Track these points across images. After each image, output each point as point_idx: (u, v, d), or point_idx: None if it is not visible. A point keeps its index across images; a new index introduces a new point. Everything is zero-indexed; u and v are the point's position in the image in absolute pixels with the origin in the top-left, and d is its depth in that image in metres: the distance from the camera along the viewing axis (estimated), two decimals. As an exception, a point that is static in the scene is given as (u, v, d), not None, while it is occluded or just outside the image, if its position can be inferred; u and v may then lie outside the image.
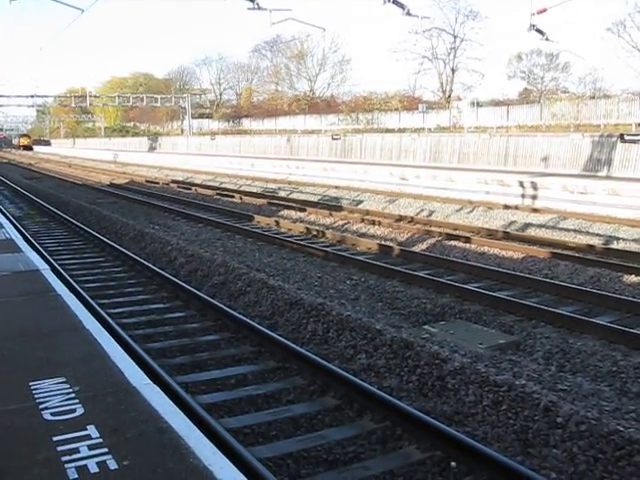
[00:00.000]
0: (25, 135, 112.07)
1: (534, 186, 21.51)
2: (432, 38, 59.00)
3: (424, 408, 5.95)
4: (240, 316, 8.55)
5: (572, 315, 8.84)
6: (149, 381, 4.27)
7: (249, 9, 21.73)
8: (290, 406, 6.14)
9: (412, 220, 18.27)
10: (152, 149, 68.72)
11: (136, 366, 4.58)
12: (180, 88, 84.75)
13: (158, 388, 4.16)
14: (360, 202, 23.13)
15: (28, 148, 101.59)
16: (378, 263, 12.18)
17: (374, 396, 5.94)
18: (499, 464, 4.73)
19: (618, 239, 14.91)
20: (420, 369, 6.68)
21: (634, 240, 14.74)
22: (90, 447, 3.27)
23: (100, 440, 3.35)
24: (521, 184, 21.99)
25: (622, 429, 5.12)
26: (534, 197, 21.36)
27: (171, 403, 3.92)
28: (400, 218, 18.53)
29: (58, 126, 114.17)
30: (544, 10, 22.35)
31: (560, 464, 5.03)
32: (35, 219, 20.12)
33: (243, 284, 10.35)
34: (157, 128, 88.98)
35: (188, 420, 3.67)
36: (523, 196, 21.72)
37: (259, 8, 21.83)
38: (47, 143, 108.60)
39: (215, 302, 9.27)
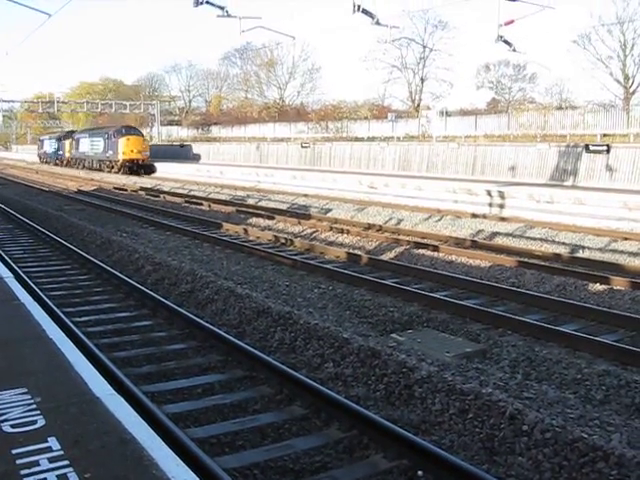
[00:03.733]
0: (132, 131, 49.67)
1: (501, 195, 21.75)
2: (401, 48, 59.43)
3: (391, 417, 5.94)
4: (207, 325, 8.49)
5: (538, 323, 8.92)
6: (113, 391, 4.21)
7: (219, 16, 21.63)
8: (257, 415, 6.11)
9: (381, 229, 18.33)
10: (121, 155, 67.82)
11: (100, 376, 4.52)
12: (149, 95, 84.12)
13: (122, 398, 4.11)
14: (329, 210, 23.16)
15: (143, 168, 46.55)
16: (346, 271, 12.19)
17: (341, 405, 5.93)
18: (465, 472, 4.74)
19: (583, 248, 15.12)
20: (387, 378, 6.69)
21: (599, 249, 14.97)
22: (51, 460, 3.22)
23: (61, 452, 3.29)
24: (489, 193, 22.22)
25: (586, 436, 5.17)
26: (501, 206, 21.59)
27: (135, 414, 3.87)
28: (369, 226, 18.59)
29: (25, 132, 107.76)
30: (511, 22, 22.60)
31: (525, 472, 5.06)
32: (-1, 226, 19.76)
33: (211, 292, 10.29)
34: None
35: (152, 431, 3.62)
36: (491, 205, 21.94)
37: (229, 15, 21.74)
38: (188, 155, 52.93)
39: (182, 310, 9.21)
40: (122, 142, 46.83)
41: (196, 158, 52.24)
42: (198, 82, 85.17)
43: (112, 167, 48.44)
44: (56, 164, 63.52)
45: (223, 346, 7.81)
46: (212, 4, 21.20)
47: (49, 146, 67.93)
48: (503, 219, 19.65)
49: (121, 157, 46.68)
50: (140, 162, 46.65)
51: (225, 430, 5.75)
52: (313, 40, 64.18)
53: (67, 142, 60.39)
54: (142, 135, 50.82)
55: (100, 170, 49.36)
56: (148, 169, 47.12)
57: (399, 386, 6.52)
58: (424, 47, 60.60)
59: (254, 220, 20.68)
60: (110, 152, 48.58)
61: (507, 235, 16.90)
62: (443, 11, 56.76)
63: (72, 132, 62.97)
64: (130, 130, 49.85)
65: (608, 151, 24.41)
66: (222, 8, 21.49)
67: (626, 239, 15.91)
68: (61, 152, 62.66)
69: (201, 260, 13.59)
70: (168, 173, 43.96)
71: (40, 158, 72.01)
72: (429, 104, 58.31)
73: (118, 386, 5.59)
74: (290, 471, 5.14)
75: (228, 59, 77.76)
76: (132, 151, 46.68)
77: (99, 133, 52.42)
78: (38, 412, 3.79)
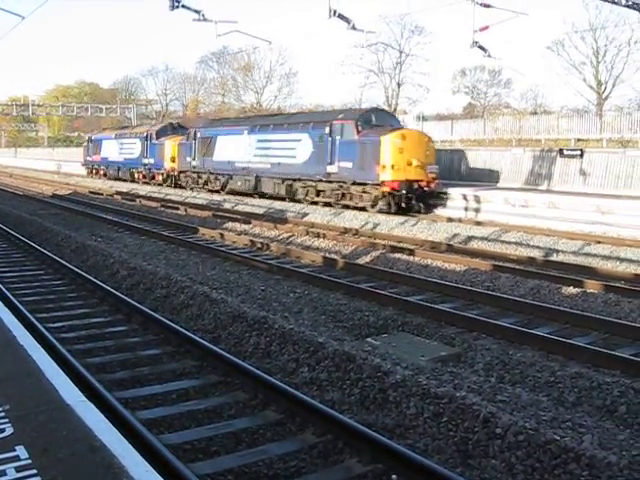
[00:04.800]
0: (391, 121, 25.47)
1: (477, 199, 21.89)
2: (378, 52, 59.73)
3: (366, 421, 5.94)
4: (182, 330, 8.45)
5: (512, 327, 8.99)
6: (84, 398, 4.18)
7: (195, 20, 21.64)
8: (232, 421, 6.08)
9: (357, 233, 18.38)
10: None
11: (71, 383, 4.48)
12: (126, 98, 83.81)
13: (93, 405, 4.07)
14: (305, 215, 23.15)
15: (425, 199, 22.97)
16: (322, 276, 12.20)
17: (316, 410, 5.92)
18: (439, 476, 4.76)
19: (557, 251, 15.28)
20: (362, 382, 6.69)
21: (572, 252, 15.12)
22: (18, 469, 3.18)
23: (29, 461, 3.26)
24: (464, 197, 22.34)
25: (558, 438, 5.22)
26: (477, 210, 21.76)
27: (106, 420, 3.84)
28: (345, 231, 18.64)
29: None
30: (486, 28, 22.78)
31: (499, 474, 5.09)
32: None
33: (186, 297, 10.24)
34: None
35: (122, 438, 3.59)
36: (466, 209, 22.08)
37: (205, 19, 21.75)
38: None
39: (157, 316, 9.15)
40: (389, 145, 22.74)
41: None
42: (175, 86, 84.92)
43: (341, 195, 24.54)
44: (132, 180, 41.42)
45: (198, 351, 7.77)
46: (188, 8, 21.18)
47: (117, 150, 44.08)
48: (478, 223, 19.80)
49: (389, 177, 22.46)
50: (425, 187, 22.96)
51: (199, 436, 5.72)
52: (290, 44, 64.28)
53: (170, 144, 36.65)
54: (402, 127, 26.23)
55: (293, 200, 26.65)
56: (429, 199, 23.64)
57: (374, 390, 6.53)
58: (400, 52, 60.97)
59: (230, 225, 20.63)
60: (345, 165, 24.05)
61: (482, 239, 17.00)
62: (419, 16, 57.17)
63: (176, 126, 40.47)
64: (387, 118, 26.11)
65: (582, 155, 24.73)
66: (198, 12, 21.49)
67: (599, 242, 16.11)
68: (151, 160, 38.82)
69: (177, 265, 13.53)
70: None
71: (91, 169, 49.77)
72: (406, 109, 58.70)
73: (91, 393, 5.55)
74: (264, 476, 5.12)
75: (205, 63, 77.68)
76: (410, 164, 22.67)
77: (294, 126, 27.60)
78: (6, 420, 3.74)
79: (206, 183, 33.68)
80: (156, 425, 5.90)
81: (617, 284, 11.73)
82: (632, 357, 7.87)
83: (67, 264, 12.96)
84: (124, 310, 9.77)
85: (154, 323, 8.93)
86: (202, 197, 30.57)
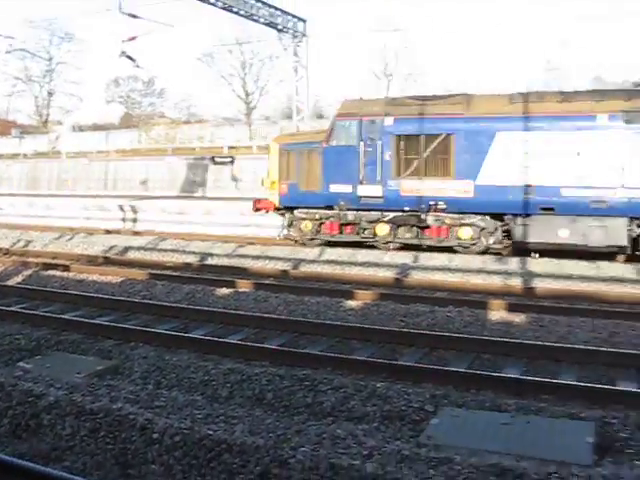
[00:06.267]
0: None
1: (134, 209, 21.96)
2: (25, 59, 56.43)
3: (18, 451, 5.66)
4: None
5: (168, 333, 9.22)
6: None
7: None
8: None
9: (7, 252, 17.32)
10: None
11: None
12: None
13: None
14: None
15: None
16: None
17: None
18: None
19: (212, 255, 15.95)
20: (12, 410, 6.34)
21: (226, 255, 15.91)
22: None
23: None
24: (121, 208, 22.25)
25: (212, 433, 5.49)
26: (134, 220, 21.81)
27: None
28: (-6, 251, 17.41)
29: None
30: (134, 38, 22.90)
31: (159, 478, 5.21)
32: None
33: None
34: None
35: None
36: (124, 220, 22.03)
37: None
38: None
39: None
40: None
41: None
42: None
43: None
44: None
45: None
46: None
47: None
48: (137, 233, 19.87)
49: None
50: None
51: None
52: None
53: None
54: None
55: None
56: None
57: (26, 417, 6.23)
58: (50, 60, 58.47)
59: None
60: None
61: (139, 249, 17.10)
62: (69, 23, 55.12)
63: None
64: None
65: (232, 162, 26.06)
66: None
67: (251, 244, 17.16)
68: None
69: None
70: None
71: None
72: (60, 119, 56.48)
73: None
74: None
75: None
76: None
77: None
78: None
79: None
80: None
81: (266, 281, 12.64)
82: (279, 347, 8.58)
83: None
84: None
85: None
86: None
